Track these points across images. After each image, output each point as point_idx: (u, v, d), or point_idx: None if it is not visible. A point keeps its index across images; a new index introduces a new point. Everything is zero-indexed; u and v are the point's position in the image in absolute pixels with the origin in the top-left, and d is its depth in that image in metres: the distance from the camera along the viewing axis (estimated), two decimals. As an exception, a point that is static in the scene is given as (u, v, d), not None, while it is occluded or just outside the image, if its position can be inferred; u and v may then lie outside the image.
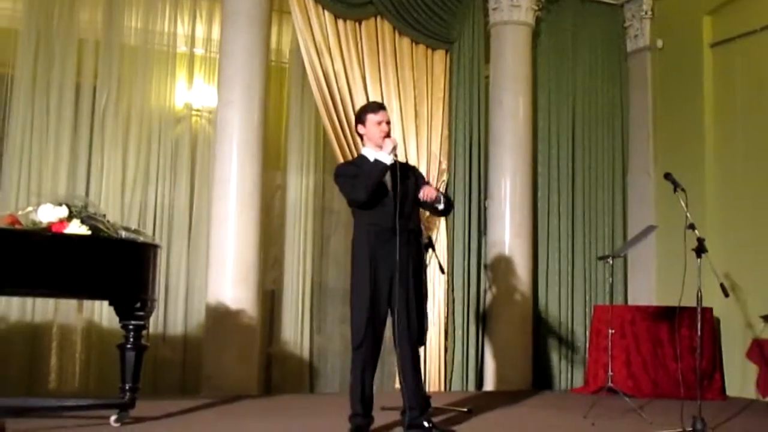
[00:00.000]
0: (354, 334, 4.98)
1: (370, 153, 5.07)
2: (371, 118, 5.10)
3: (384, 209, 4.95)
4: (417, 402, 4.98)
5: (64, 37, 7.56)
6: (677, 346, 7.35)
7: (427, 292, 5.57)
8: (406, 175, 5.11)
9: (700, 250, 5.57)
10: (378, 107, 5.20)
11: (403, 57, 8.17)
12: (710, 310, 7.76)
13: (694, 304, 5.58)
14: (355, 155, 7.52)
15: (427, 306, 5.47)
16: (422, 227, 5.26)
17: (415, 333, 5.00)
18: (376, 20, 8.08)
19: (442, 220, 8.10)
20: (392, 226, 4.88)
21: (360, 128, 5.18)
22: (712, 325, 7.94)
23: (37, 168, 7.38)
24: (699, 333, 5.68)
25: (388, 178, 4.97)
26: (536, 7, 8.75)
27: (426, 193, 5.07)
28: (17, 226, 4.76)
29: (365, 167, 5.00)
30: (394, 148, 4.97)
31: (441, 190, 5.31)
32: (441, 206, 5.19)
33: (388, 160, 4.94)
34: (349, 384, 5.04)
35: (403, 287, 4.93)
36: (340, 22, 7.88)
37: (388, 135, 5.06)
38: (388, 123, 5.12)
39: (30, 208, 4.92)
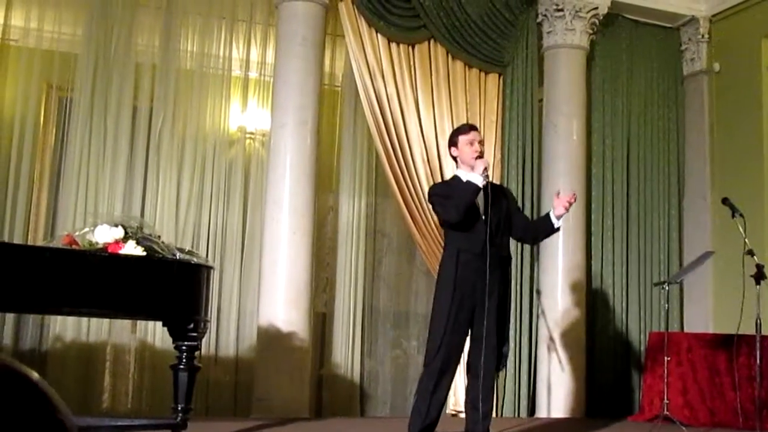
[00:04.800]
0: (427, 353, 4.89)
1: (463, 174, 4.95)
2: (463, 139, 5.01)
3: (475, 233, 4.83)
4: (484, 428, 4.89)
5: (122, 61, 7.69)
6: (735, 374, 7.17)
7: (509, 319, 5.26)
8: (499, 197, 5.02)
9: (760, 276, 5.48)
10: (469, 128, 5.12)
11: (456, 80, 8.15)
12: (770, 338, 7.59)
13: (753, 331, 5.47)
14: (407, 178, 7.54)
15: (509, 332, 5.20)
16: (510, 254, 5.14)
17: (491, 362, 4.84)
18: (429, 44, 8.07)
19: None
20: (482, 251, 4.75)
21: (453, 151, 5.08)
22: (771, 353, 7.76)
23: (93, 189, 7.49)
24: (758, 362, 5.57)
25: (480, 200, 4.86)
26: (591, 31, 8.66)
27: (569, 199, 4.92)
28: (75, 247, 4.81)
29: (458, 187, 4.90)
30: (486, 169, 4.84)
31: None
32: (559, 224, 5.03)
33: (479, 181, 4.79)
34: (413, 405, 4.92)
35: (486, 314, 4.76)
36: (394, 45, 7.90)
37: (481, 155, 4.96)
38: (481, 143, 5.05)
39: (87, 229, 4.94)
